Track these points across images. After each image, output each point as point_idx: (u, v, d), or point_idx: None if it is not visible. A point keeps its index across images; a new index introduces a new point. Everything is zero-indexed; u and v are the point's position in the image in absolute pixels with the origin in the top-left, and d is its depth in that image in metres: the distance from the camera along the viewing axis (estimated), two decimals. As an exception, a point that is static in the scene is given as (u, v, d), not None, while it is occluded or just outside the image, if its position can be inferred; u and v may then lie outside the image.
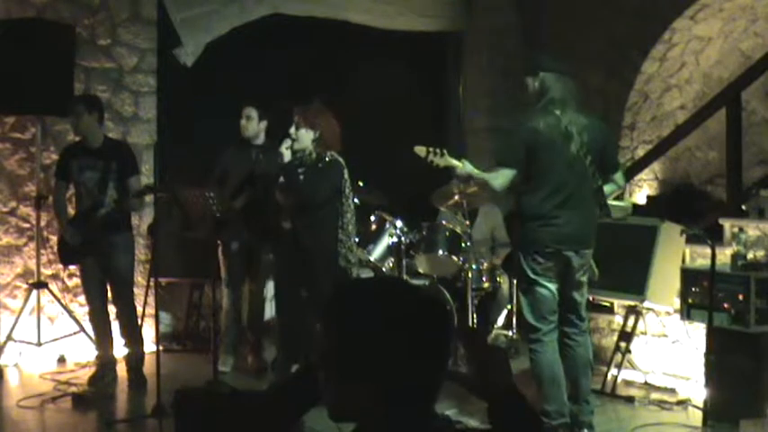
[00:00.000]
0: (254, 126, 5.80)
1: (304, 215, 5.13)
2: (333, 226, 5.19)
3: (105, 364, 5.47)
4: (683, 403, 4.97)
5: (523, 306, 4.40)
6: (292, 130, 5.12)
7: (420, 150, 4.40)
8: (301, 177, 5.16)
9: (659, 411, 4.91)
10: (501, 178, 4.29)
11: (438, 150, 4.37)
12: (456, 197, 6.08)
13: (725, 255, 4.85)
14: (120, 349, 5.52)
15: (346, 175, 5.20)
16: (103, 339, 5.50)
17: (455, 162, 4.38)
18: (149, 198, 6.02)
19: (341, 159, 5.20)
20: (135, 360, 5.43)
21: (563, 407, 4.33)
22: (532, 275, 4.29)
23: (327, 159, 5.15)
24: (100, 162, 5.30)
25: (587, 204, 4.33)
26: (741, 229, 4.89)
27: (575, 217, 4.27)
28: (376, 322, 1.50)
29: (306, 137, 5.09)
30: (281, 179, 5.17)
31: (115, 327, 5.52)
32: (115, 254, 5.35)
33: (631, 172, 6.39)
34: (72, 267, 5.78)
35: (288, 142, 5.14)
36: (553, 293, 4.33)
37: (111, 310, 5.53)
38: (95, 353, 5.57)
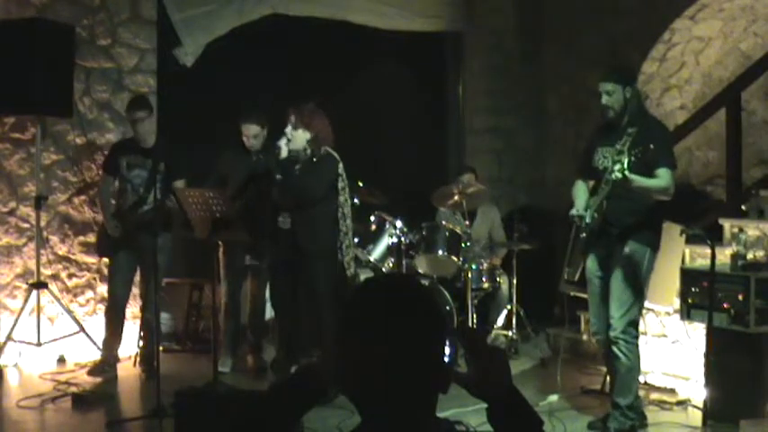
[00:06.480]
0: (260, 141, 5.72)
1: (301, 212, 5.13)
2: (330, 224, 5.19)
3: (108, 358, 5.54)
4: (682, 403, 4.97)
5: (637, 303, 4.39)
6: (288, 129, 5.12)
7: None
8: (297, 173, 5.16)
9: (659, 411, 4.90)
10: (672, 183, 4.27)
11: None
12: (456, 197, 6.09)
13: (725, 255, 4.84)
14: (124, 348, 5.55)
15: (341, 170, 5.20)
16: (114, 335, 5.56)
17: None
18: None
19: (335, 154, 5.20)
20: (149, 354, 5.49)
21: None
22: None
23: (321, 154, 5.17)
24: (149, 161, 5.38)
25: None
26: (741, 230, 4.90)
27: None
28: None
29: (301, 137, 5.10)
30: (278, 177, 5.17)
31: (129, 324, 5.58)
32: (155, 253, 5.37)
33: (631, 172, 6.38)
34: (73, 269, 5.79)
35: (285, 139, 5.13)
36: None
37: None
38: (101, 346, 5.62)
